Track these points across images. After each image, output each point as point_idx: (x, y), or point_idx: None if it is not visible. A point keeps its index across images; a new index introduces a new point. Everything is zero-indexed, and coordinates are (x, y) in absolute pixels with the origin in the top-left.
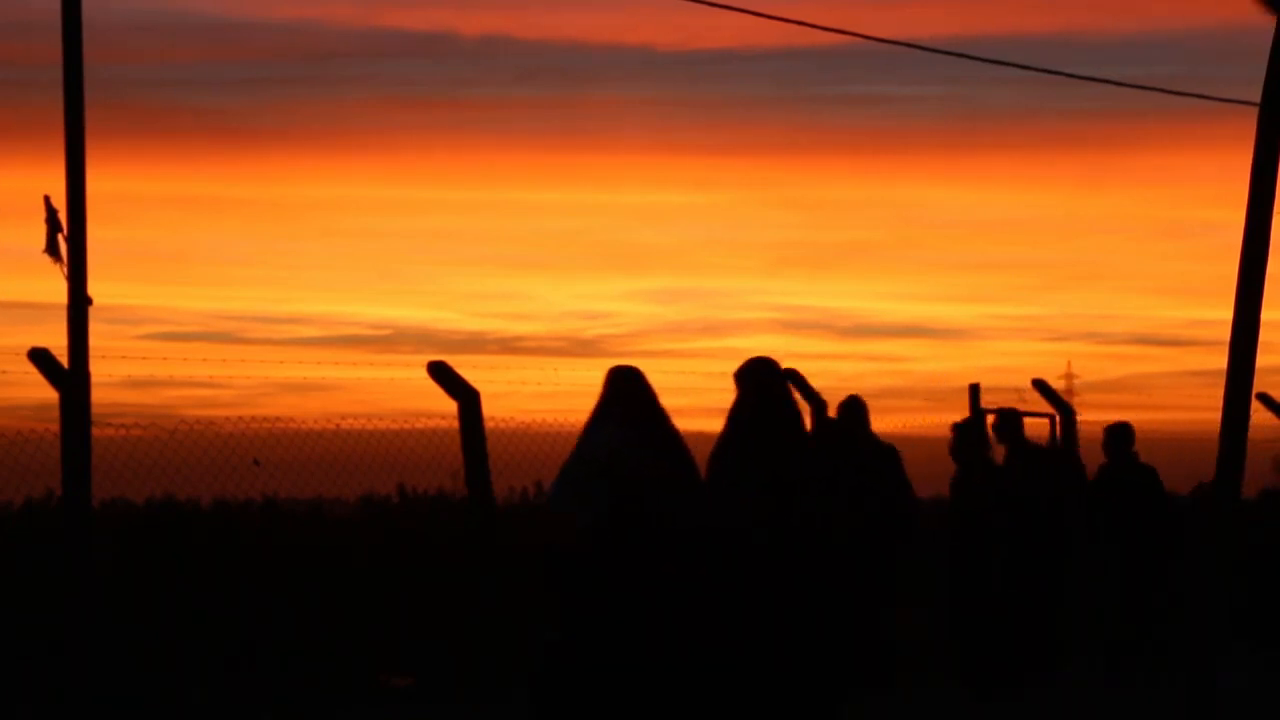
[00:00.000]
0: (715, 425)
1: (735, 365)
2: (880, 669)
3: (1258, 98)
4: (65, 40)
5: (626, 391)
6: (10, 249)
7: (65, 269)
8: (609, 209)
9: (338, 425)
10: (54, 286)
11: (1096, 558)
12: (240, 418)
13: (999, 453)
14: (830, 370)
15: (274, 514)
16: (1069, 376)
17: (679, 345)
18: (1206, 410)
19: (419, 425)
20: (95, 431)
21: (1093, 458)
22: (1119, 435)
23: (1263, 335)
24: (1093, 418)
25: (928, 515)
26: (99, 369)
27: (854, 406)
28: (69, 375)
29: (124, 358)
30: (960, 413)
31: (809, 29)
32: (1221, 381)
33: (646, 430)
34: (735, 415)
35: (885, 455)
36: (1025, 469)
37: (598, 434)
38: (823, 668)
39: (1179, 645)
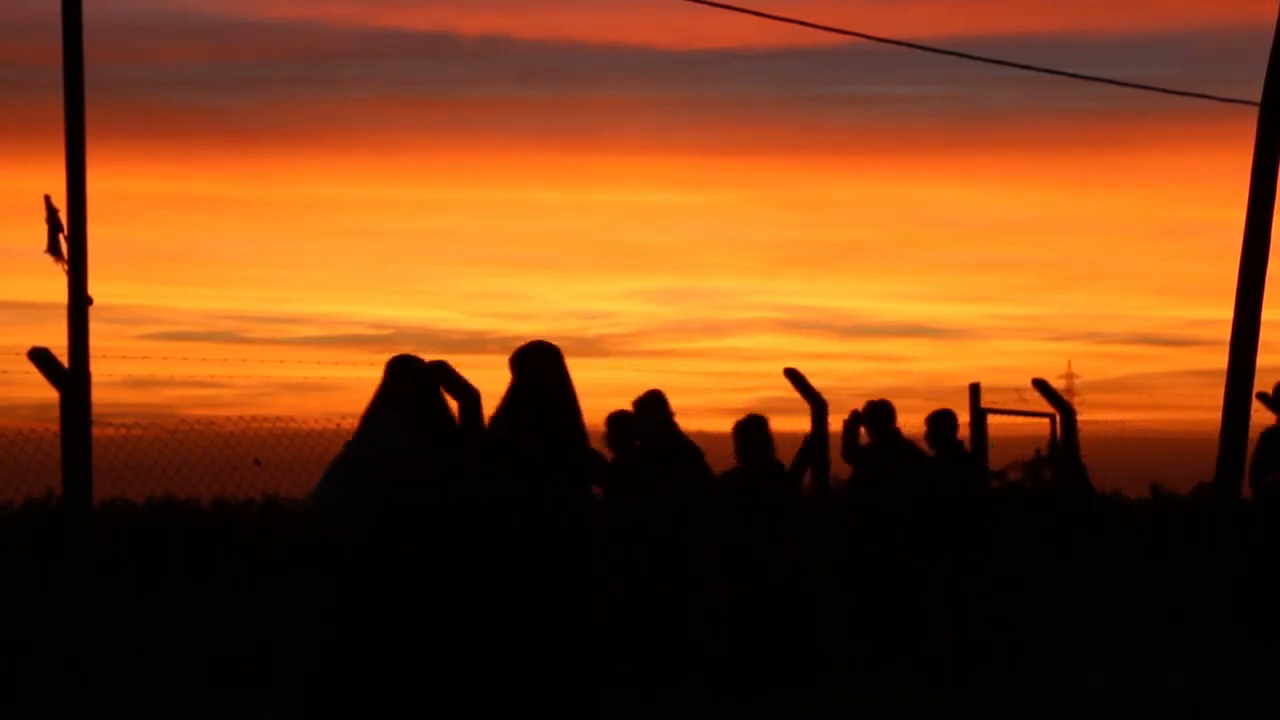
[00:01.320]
0: (716, 425)
1: (736, 365)
2: (770, 669)
3: (1258, 98)
4: (65, 40)
5: (406, 382)
6: (11, 249)
7: (65, 269)
8: (609, 209)
9: (338, 425)
10: (54, 286)
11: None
12: (241, 417)
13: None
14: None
15: (274, 514)
16: (1069, 376)
17: (680, 345)
18: (1207, 410)
19: None
20: (95, 431)
21: (1093, 458)
22: (946, 423)
23: (1263, 335)
24: (1094, 417)
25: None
26: (99, 369)
27: (649, 403)
28: (69, 375)
29: (124, 357)
30: (962, 413)
31: (810, 29)
32: (1222, 381)
33: (425, 422)
34: (502, 403)
35: (687, 454)
36: (893, 469)
37: (372, 428)
38: (573, 658)
39: (999, 646)
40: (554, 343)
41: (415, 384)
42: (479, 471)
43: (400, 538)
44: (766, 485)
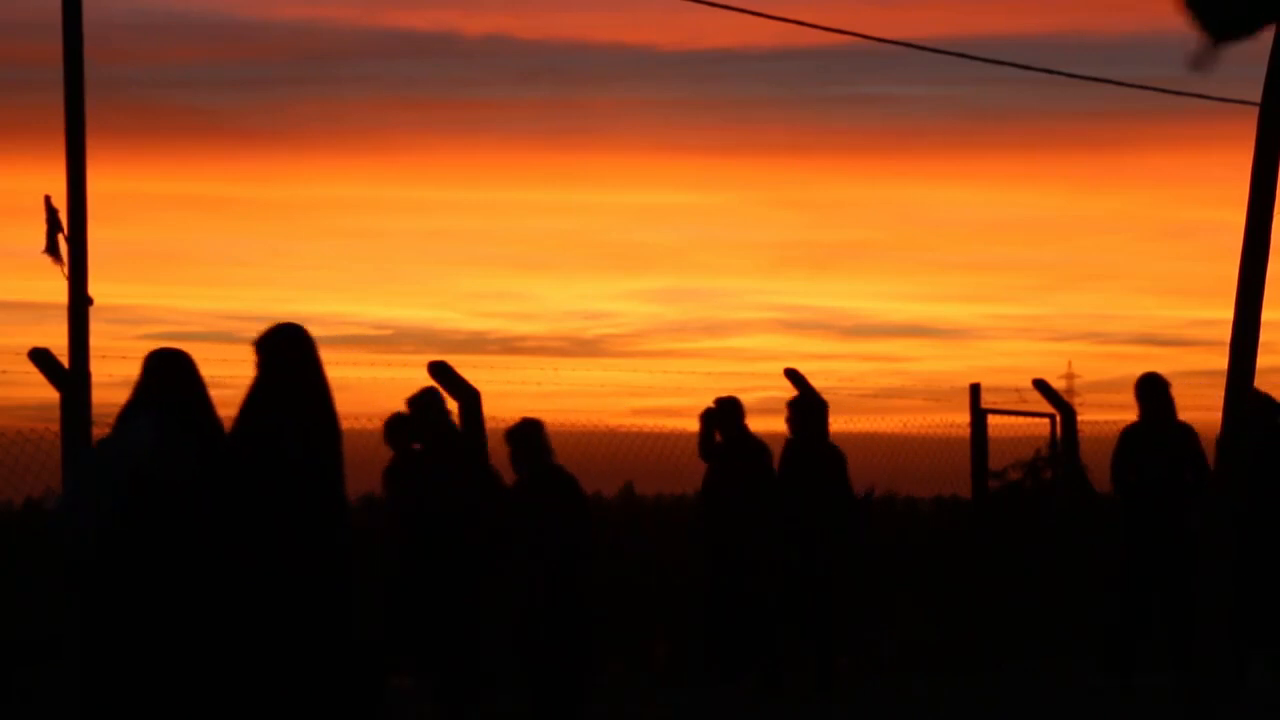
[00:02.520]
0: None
1: (736, 366)
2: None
3: (1258, 98)
4: (66, 40)
5: (167, 380)
6: (11, 249)
7: (65, 269)
8: (610, 209)
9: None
10: (54, 286)
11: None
12: None
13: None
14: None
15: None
16: (1070, 376)
17: (680, 345)
18: (1207, 410)
19: None
20: (96, 431)
21: (1093, 458)
22: (812, 410)
23: (1263, 335)
24: (1094, 417)
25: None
26: (100, 369)
27: (425, 403)
28: (70, 375)
29: (125, 358)
30: (962, 413)
31: (810, 29)
32: (1222, 382)
33: (187, 420)
34: (250, 396)
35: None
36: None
37: (125, 433)
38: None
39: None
40: (300, 326)
41: (178, 382)
42: (236, 478)
43: (150, 553)
44: (548, 491)
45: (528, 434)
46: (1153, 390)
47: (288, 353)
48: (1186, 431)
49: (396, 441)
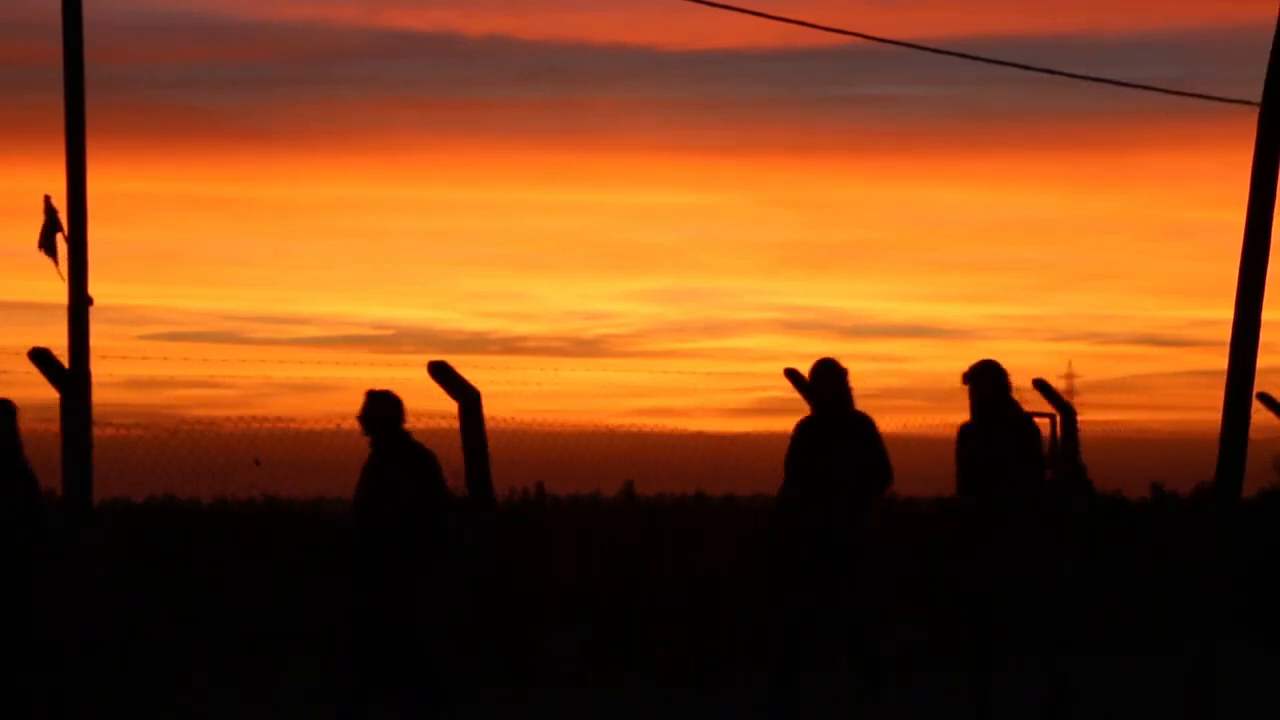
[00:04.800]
0: (718, 425)
1: (737, 366)
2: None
3: (1258, 97)
4: (66, 40)
5: None
6: (11, 249)
7: (60, 267)
8: (611, 209)
9: (338, 425)
10: (55, 286)
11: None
12: (241, 417)
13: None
14: None
15: (274, 514)
16: (1070, 376)
17: (681, 345)
18: (1208, 410)
19: (420, 425)
20: (96, 431)
21: (1093, 458)
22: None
23: (1263, 335)
24: (1094, 418)
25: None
26: (100, 369)
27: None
28: (70, 375)
29: (125, 358)
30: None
31: (811, 29)
32: (1223, 382)
33: None
34: None
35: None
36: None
37: None
38: None
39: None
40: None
41: None
42: None
43: None
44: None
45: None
46: (828, 378)
47: None
48: (861, 422)
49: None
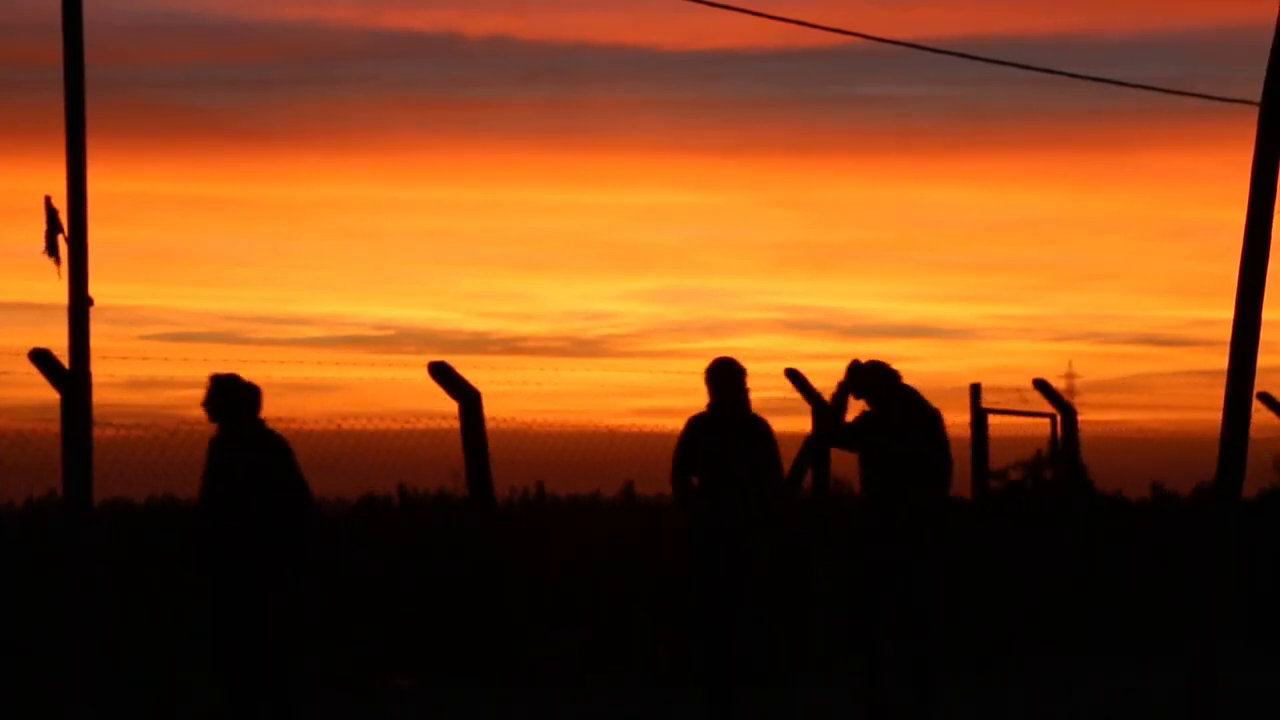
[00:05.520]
0: None
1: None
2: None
3: (1258, 97)
4: (66, 40)
5: None
6: (12, 249)
7: (63, 269)
8: (612, 209)
9: (339, 426)
10: (55, 287)
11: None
12: None
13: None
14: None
15: None
16: (1070, 376)
17: (681, 345)
18: (1208, 410)
19: (420, 426)
20: (96, 432)
21: (1094, 458)
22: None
23: (1264, 335)
24: (1094, 418)
25: None
26: (100, 369)
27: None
28: (70, 376)
29: (125, 358)
30: (963, 413)
31: (811, 29)
32: (1223, 381)
33: None
34: None
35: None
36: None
37: None
38: None
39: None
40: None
41: None
42: None
43: None
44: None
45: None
46: (726, 376)
47: None
48: (759, 425)
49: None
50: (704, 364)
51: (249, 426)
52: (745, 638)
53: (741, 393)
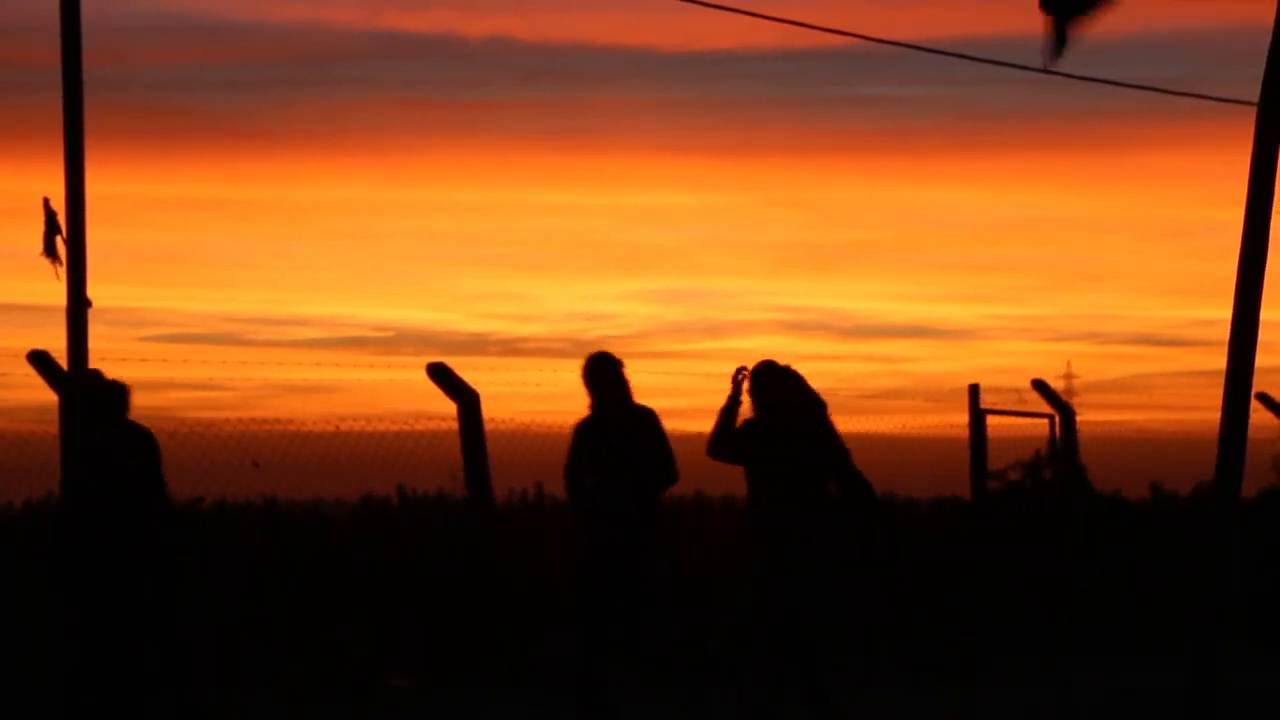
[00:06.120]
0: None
1: (737, 366)
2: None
3: (1256, 98)
4: (64, 42)
5: None
6: (10, 251)
7: (62, 271)
8: (611, 210)
9: (337, 427)
10: (54, 288)
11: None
12: (240, 419)
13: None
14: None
15: (273, 516)
16: (1068, 377)
17: (681, 346)
18: (1207, 410)
19: (419, 427)
20: None
21: (1093, 458)
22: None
23: (1262, 335)
24: (1093, 418)
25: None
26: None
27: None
28: (68, 378)
29: (124, 360)
30: (961, 414)
31: (811, 30)
32: (1222, 382)
33: None
34: None
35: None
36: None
37: None
38: None
39: None
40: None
41: None
42: None
43: None
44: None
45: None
46: (602, 374)
47: None
48: (645, 416)
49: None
50: (703, 365)
51: (115, 425)
52: (655, 636)
53: (621, 387)
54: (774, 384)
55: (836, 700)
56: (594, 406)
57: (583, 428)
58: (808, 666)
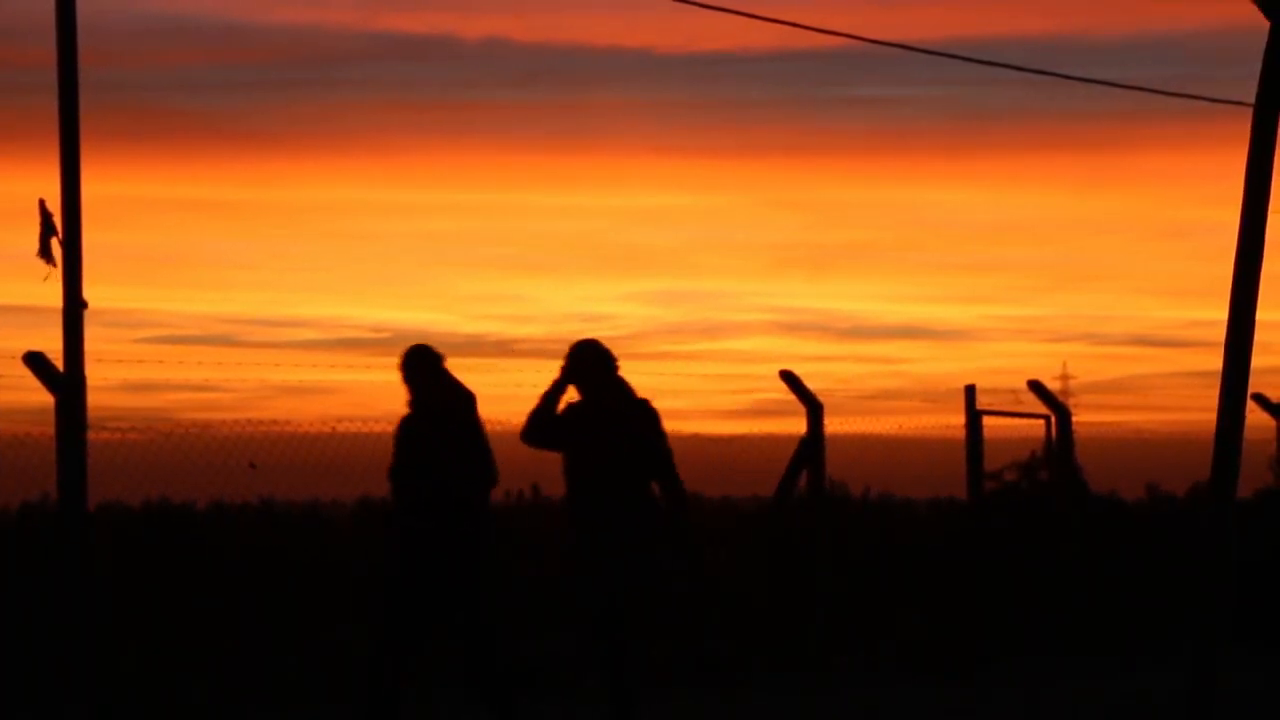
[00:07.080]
0: (715, 426)
1: (733, 368)
2: None
3: (1252, 98)
4: (59, 43)
5: None
6: (6, 252)
7: (58, 272)
8: (608, 211)
9: (334, 428)
10: (50, 290)
11: None
12: (237, 421)
13: None
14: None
15: (270, 517)
16: (1065, 377)
17: (678, 347)
18: (1204, 411)
19: None
20: (91, 435)
21: (1089, 459)
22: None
23: (1258, 336)
24: (1090, 419)
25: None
26: (95, 372)
27: None
28: (64, 379)
29: (120, 361)
30: (958, 415)
31: (808, 31)
32: (1218, 382)
33: None
34: None
35: None
36: None
37: None
38: None
39: None
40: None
41: None
42: None
43: None
44: None
45: None
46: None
47: None
48: (466, 407)
49: None
50: (702, 366)
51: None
52: (493, 643)
53: (440, 378)
54: (598, 365)
55: (637, 706)
56: (412, 403)
57: (404, 426)
58: (617, 663)
